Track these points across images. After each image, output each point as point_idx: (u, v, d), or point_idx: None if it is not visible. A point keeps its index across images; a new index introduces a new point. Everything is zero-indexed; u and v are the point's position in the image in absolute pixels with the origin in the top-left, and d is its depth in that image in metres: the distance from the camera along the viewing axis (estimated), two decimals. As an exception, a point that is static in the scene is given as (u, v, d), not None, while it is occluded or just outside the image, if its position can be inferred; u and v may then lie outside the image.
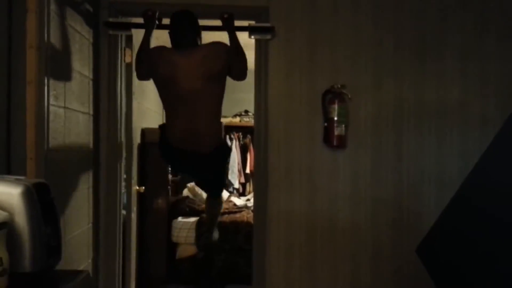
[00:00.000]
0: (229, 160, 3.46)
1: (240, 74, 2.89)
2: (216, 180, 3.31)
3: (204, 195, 5.61)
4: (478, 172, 2.53)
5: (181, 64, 2.79)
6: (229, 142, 6.93)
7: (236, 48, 2.86)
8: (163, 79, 2.84)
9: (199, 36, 2.96)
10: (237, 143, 7.08)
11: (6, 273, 1.19)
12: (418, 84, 3.10)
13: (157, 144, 4.97)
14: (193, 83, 2.77)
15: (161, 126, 3.05)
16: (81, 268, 2.66)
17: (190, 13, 2.94)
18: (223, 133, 3.09)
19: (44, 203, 1.39)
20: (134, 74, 3.48)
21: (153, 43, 2.98)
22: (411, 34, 3.11)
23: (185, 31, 2.90)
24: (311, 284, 3.10)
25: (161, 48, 2.91)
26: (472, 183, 2.54)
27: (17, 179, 1.38)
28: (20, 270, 1.30)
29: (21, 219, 1.29)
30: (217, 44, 2.89)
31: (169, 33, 2.95)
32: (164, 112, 3.00)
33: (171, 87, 2.81)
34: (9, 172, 1.98)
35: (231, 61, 2.85)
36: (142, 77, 2.96)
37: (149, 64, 2.86)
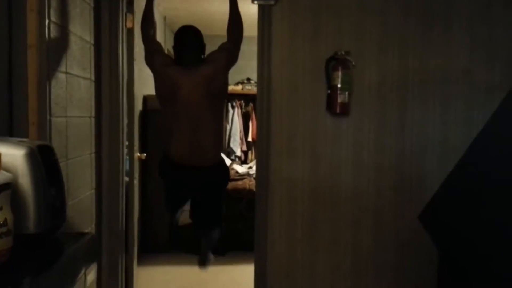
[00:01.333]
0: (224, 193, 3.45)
1: (235, 44, 2.93)
2: (214, 205, 3.23)
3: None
4: (483, 139, 2.53)
5: (184, 83, 2.85)
6: (230, 110, 6.93)
7: (235, 15, 2.87)
8: (165, 96, 2.91)
9: (203, 52, 3.01)
10: (239, 111, 7.08)
11: (11, 234, 1.19)
12: (423, 51, 3.06)
13: (158, 112, 5.01)
14: (195, 101, 2.86)
15: (165, 152, 3.10)
16: (84, 233, 2.68)
17: (195, 29, 3.01)
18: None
19: (48, 165, 1.39)
20: (135, 40, 3.46)
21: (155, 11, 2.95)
22: (417, 0, 3.05)
23: (189, 48, 2.96)
24: (313, 250, 3.13)
25: (164, 63, 2.95)
26: (477, 149, 2.55)
27: (20, 141, 1.37)
28: (25, 231, 1.30)
29: (25, 181, 1.29)
30: (217, 56, 2.94)
31: (173, 47, 3.02)
32: (167, 129, 3.03)
33: (173, 103, 2.89)
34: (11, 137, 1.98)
35: (227, 30, 2.89)
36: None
37: (152, 65, 2.99)
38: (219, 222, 3.33)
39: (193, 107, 2.86)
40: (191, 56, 2.95)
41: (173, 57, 3.04)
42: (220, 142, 3.06)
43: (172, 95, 2.87)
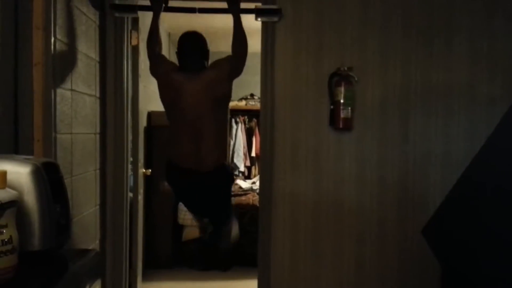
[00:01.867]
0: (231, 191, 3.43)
1: (238, 60, 2.91)
2: (220, 204, 3.23)
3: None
4: (486, 153, 2.53)
5: (187, 89, 2.86)
6: (234, 126, 6.95)
7: (239, 33, 2.88)
8: (168, 102, 2.91)
9: (206, 59, 3.02)
10: (243, 126, 7.10)
11: (16, 251, 1.20)
12: (425, 65, 3.07)
13: (163, 128, 5.01)
14: (198, 106, 2.85)
15: (168, 157, 3.10)
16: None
17: (199, 35, 3.02)
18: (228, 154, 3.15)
19: (53, 182, 1.40)
20: (140, 57, 3.49)
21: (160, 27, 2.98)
22: (419, 15, 3.08)
23: (192, 55, 2.96)
24: (317, 266, 3.12)
25: (168, 70, 2.95)
26: (479, 164, 2.55)
27: (26, 158, 1.39)
28: (30, 249, 1.31)
29: (30, 198, 1.30)
30: (221, 63, 2.94)
31: (176, 53, 3.03)
32: (170, 135, 3.03)
33: (176, 109, 2.89)
34: (17, 154, 1.99)
35: (232, 46, 2.89)
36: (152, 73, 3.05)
37: (157, 73, 2.98)
38: (229, 215, 3.31)
39: (196, 112, 2.84)
40: (194, 62, 2.95)
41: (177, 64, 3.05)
42: (223, 147, 3.04)
43: (175, 100, 2.86)
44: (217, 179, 3.04)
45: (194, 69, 2.92)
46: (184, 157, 2.89)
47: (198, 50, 2.99)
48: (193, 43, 3.00)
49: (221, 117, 2.99)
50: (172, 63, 3.06)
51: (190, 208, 3.44)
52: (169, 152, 3.01)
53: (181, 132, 2.91)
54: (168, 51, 5.95)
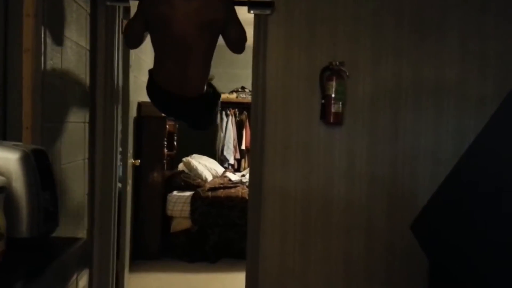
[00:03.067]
0: (218, 108, 3.26)
1: (238, 43, 2.82)
2: (205, 120, 3.16)
3: (200, 170, 5.67)
4: (475, 150, 2.55)
5: (180, 7, 2.66)
6: (225, 118, 6.94)
7: (235, 23, 2.83)
8: (159, 18, 2.70)
9: None
10: (233, 119, 7.09)
11: (3, 238, 1.19)
12: (416, 62, 3.09)
13: (153, 118, 4.98)
14: (188, 27, 2.67)
15: (150, 70, 2.92)
16: (76, 238, 2.67)
17: None
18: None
19: (42, 169, 1.39)
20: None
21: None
22: (411, 11, 3.09)
23: None
24: (305, 259, 3.13)
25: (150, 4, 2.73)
26: (468, 161, 2.57)
27: (14, 145, 1.38)
28: (17, 235, 1.30)
29: (18, 184, 1.29)
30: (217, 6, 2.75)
31: None
32: (154, 55, 2.92)
33: (165, 28, 2.70)
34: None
35: (228, 31, 2.80)
36: (133, 37, 2.80)
37: (143, 14, 2.73)
38: (211, 123, 3.27)
39: (183, 34, 2.70)
40: None
41: None
42: (206, 76, 2.93)
43: (166, 17, 2.66)
44: (200, 106, 2.94)
45: None
46: (168, 80, 2.79)
47: None
48: None
49: (209, 43, 2.84)
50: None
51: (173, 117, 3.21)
52: (154, 72, 2.90)
53: (167, 54, 2.74)
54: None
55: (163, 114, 4.61)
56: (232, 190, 5.17)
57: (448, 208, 2.59)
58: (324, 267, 3.14)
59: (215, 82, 3.25)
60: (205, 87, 2.91)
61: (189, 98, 2.82)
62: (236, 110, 7.16)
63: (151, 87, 2.89)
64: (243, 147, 7.08)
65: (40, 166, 1.38)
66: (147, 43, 2.90)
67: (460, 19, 3.08)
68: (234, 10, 2.78)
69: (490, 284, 2.10)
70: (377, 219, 3.13)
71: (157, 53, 2.81)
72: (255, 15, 3.07)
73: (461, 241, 2.34)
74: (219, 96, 3.10)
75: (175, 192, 5.15)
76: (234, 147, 7.06)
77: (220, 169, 6.43)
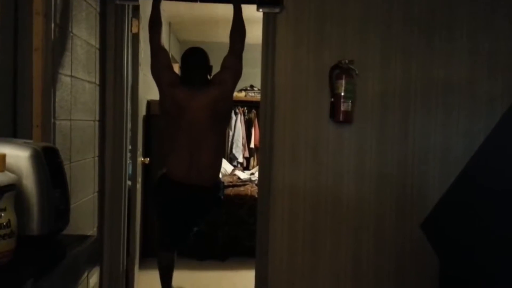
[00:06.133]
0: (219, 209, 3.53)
1: (236, 52, 2.97)
2: (207, 215, 3.40)
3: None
4: (485, 151, 2.54)
5: (189, 103, 2.90)
6: (233, 117, 6.95)
7: (238, 21, 2.88)
8: (169, 113, 2.96)
9: (209, 73, 3.08)
10: (242, 117, 7.10)
11: (14, 235, 1.20)
12: (426, 61, 3.07)
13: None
14: (199, 122, 2.90)
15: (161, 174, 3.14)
16: (86, 236, 2.68)
17: (202, 50, 3.09)
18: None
19: (53, 167, 1.39)
20: (141, 45, 3.48)
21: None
22: (421, 10, 3.07)
23: (196, 69, 3.02)
24: (314, 258, 3.13)
25: (171, 82, 2.98)
26: (479, 160, 2.55)
27: (25, 142, 1.38)
28: (28, 233, 1.31)
29: (29, 182, 1.30)
30: (224, 78, 2.98)
31: (180, 68, 3.06)
32: (165, 147, 3.05)
33: (177, 122, 2.92)
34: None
35: (230, 37, 2.91)
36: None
37: (158, 79, 3.03)
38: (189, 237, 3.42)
39: (197, 128, 2.90)
40: (198, 77, 3.01)
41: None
42: (219, 163, 3.09)
43: (176, 114, 2.92)
44: (211, 197, 3.11)
45: (198, 84, 2.97)
46: (182, 171, 2.92)
47: (203, 66, 3.05)
48: (197, 59, 3.06)
49: (221, 132, 3.04)
50: (174, 73, 3.08)
51: (171, 220, 3.23)
52: (165, 164, 3.03)
53: (180, 145, 2.94)
54: (169, 41, 5.93)
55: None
56: (241, 188, 5.17)
57: (458, 208, 2.58)
58: (333, 265, 3.14)
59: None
60: (218, 179, 3.12)
61: (204, 188, 2.95)
62: (245, 108, 7.17)
63: (163, 188, 3.08)
64: (252, 145, 7.08)
65: (50, 164, 1.38)
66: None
67: (470, 18, 3.06)
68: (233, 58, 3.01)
69: (500, 283, 2.08)
70: (386, 219, 3.11)
71: (171, 145, 2.98)
72: (264, 13, 3.06)
73: (472, 241, 2.32)
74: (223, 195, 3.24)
75: (184, 190, 5.14)
76: (243, 145, 7.07)
77: (229, 168, 6.43)
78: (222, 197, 3.19)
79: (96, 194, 2.91)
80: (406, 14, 3.07)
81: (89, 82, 2.72)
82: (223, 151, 3.07)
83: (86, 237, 1.54)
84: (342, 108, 3.00)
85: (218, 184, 3.11)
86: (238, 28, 2.95)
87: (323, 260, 3.13)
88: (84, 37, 2.61)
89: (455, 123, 3.09)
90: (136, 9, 3.29)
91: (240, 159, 7.05)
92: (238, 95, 6.92)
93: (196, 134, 2.90)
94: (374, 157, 3.11)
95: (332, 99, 3.03)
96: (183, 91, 2.93)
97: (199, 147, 2.90)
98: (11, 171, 1.23)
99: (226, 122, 3.10)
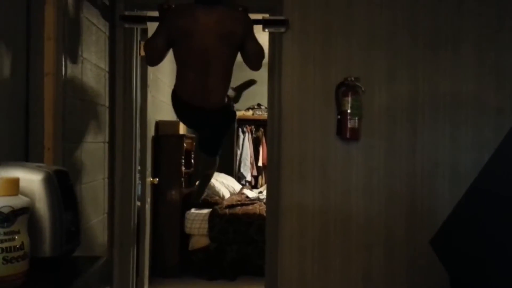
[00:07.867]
0: (234, 126, 3.45)
1: (256, 59, 2.85)
2: (214, 140, 3.28)
3: (217, 187, 5.68)
4: (494, 164, 2.53)
5: (201, 19, 2.71)
6: (241, 135, 6.97)
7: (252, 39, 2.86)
8: (182, 31, 2.73)
9: None
10: (250, 136, 7.12)
11: (27, 257, 1.22)
12: (432, 75, 3.08)
13: (170, 137, 5.04)
14: (209, 39, 2.71)
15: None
16: (97, 257, 2.70)
17: None
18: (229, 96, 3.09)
19: (64, 189, 1.42)
20: (149, 67, 3.52)
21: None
22: (426, 25, 3.09)
23: None
24: (324, 276, 3.11)
25: (181, 7, 2.79)
26: (488, 175, 2.54)
27: (38, 166, 1.41)
28: (40, 255, 1.33)
29: (42, 205, 1.32)
30: (239, 13, 2.80)
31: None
32: (176, 69, 2.96)
33: (187, 41, 2.73)
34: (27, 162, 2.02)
35: (246, 46, 2.82)
36: (155, 54, 2.81)
37: (166, 29, 2.75)
38: (217, 150, 3.39)
39: (205, 46, 2.72)
40: None
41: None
42: (226, 89, 2.95)
43: (188, 29, 2.71)
44: (220, 119, 3.02)
45: (211, 2, 2.74)
46: (190, 93, 2.83)
47: None
48: None
49: (230, 55, 2.87)
50: (180, 5, 2.83)
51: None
52: (176, 85, 2.95)
53: (188, 67, 2.80)
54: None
55: (181, 133, 4.72)
56: (250, 207, 5.16)
57: (468, 223, 2.57)
58: (343, 283, 3.11)
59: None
60: (226, 100, 2.96)
61: (209, 110, 2.86)
62: (253, 127, 7.19)
63: (174, 101, 2.95)
64: (260, 163, 7.09)
65: (62, 187, 1.41)
66: (164, 62, 2.95)
67: (475, 31, 3.08)
68: (252, 27, 2.82)
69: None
70: (396, 235, 3.10)
71: (179, 67, 2.85)
72: (270, 33, 3.10)
73: (481, 256, 2.31)
74: (235, 115, 3.15)
75: (193, 210, 5.16)
76: (251, 164, 7.08)
77: (237, 186, 6.44)
78: (230, 119, 3.16)
79: (106, 215, 2.93)
80: (411, 28, 3.09)
81: (98, 104, 2.76)
82: (229, 78, 2.93)
83: (97, 258, 1.55)
84: (349, 125, 3.01)
85: (223, 109, 2.98)
86: (253, 45, 2.88)
87: (333, 278, 3.12)
88: (93, 60, 2.66)
89: (463, 137, 3.09)
90: (144, 33, 3.34)
91: (248, 178, 7.05)
92: (246, 113, 6.96)
93: (203, 53, 2.71)
94: (382, 173, 3.11)
95: (339, 116, 3.05)
96: (194, 8, 2.73)
97: (205, 69, 2.73)
98: (25, 194, 1.26)
99: (233, 49, 2.89)
